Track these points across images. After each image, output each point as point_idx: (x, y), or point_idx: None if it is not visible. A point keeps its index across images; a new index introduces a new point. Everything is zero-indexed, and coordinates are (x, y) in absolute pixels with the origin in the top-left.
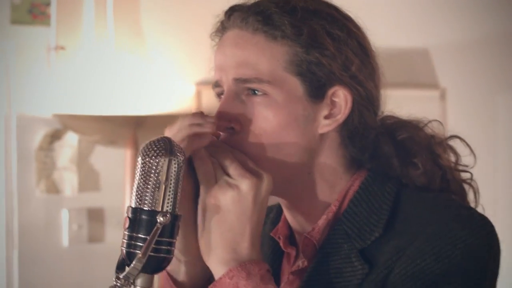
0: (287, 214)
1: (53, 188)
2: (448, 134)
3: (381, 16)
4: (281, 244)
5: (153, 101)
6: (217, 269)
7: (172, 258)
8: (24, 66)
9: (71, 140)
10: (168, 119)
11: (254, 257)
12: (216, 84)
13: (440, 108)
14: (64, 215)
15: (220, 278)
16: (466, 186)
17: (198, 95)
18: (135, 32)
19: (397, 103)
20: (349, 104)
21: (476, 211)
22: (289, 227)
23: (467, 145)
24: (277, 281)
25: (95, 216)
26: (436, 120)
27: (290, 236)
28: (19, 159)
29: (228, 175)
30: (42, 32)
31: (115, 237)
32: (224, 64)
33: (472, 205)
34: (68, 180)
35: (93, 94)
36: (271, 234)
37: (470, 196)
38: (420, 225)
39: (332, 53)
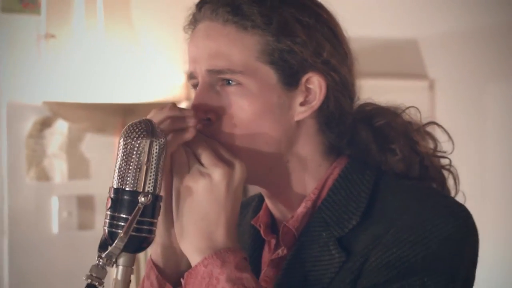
0: (268, 202)
1: (43, 176)
2: (426, 120)
3: (371, 7)
4: (261, 232)
5: (143, 90)
6: (193, 257)
7: (153, 238)
8: (14, 54)
9: (61, 128)
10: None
11: (230, 245)
12: (191, 76)
13: (429, 98)
14: (54, 202)
15: (196, 266)
16: (445, 173)
17: (188, 84)
18: (125, 21)
19: (386, 93)
20: (324, 90)
21: (453, 199)
22: (270, 215)
23: (445, 131)
24: (258, 269)
25: (85, 203)
26: (413, 107)
27: (272, 225)
28: (9, 146)
29: (201, 164)
30: (32, 20)
31: None
32: (197, 56)
33: (452, 191)
34: (58, 167)
35: (83, 82)
36: (252, 222)
37: (450, 182)
38: (397, 213)
39: (303, 40)
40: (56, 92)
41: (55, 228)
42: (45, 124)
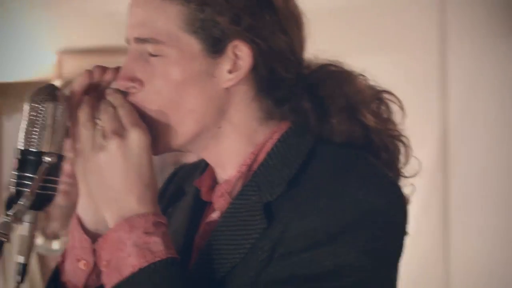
0: (210, 165)
1: None
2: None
3: None
4: (201, 194)
5: (14, 69)
6: (109, 225)
7: (56, 195)
8: None
9: None
10: (29, 87)
11: (142, 210)
12: (127, 42)
13: None
14: None
15: (107, 234)
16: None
17: (60, 63)
18: None
19: None
20: (249, 58)
21: (384, 172)
22: (214, 178)
23: (397, 99)
24: (196, 230)
25: None
26: (363, 75)
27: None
28: None
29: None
30: None
31: None
32: (129, 23)
33: (403, 160)
34: None
35: None
36: (194, 183)
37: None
38: (322, 182)
39: (221, 8)
40: None
41: None
42: None
